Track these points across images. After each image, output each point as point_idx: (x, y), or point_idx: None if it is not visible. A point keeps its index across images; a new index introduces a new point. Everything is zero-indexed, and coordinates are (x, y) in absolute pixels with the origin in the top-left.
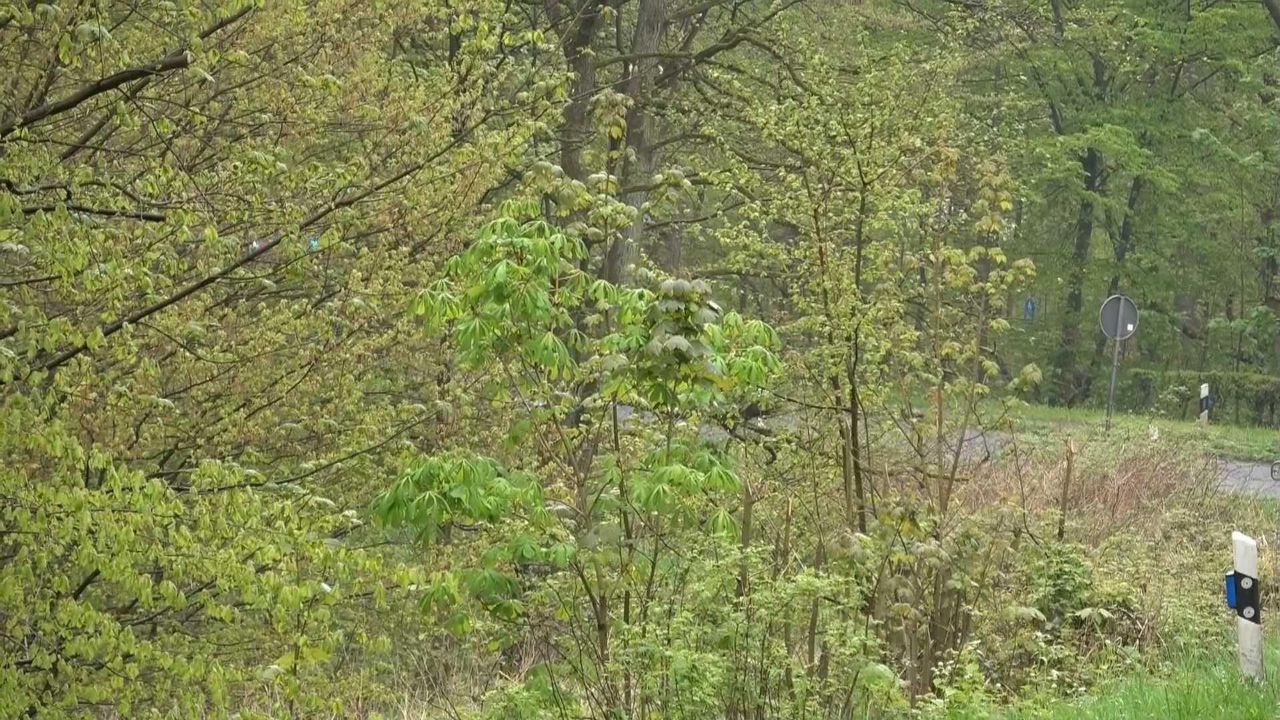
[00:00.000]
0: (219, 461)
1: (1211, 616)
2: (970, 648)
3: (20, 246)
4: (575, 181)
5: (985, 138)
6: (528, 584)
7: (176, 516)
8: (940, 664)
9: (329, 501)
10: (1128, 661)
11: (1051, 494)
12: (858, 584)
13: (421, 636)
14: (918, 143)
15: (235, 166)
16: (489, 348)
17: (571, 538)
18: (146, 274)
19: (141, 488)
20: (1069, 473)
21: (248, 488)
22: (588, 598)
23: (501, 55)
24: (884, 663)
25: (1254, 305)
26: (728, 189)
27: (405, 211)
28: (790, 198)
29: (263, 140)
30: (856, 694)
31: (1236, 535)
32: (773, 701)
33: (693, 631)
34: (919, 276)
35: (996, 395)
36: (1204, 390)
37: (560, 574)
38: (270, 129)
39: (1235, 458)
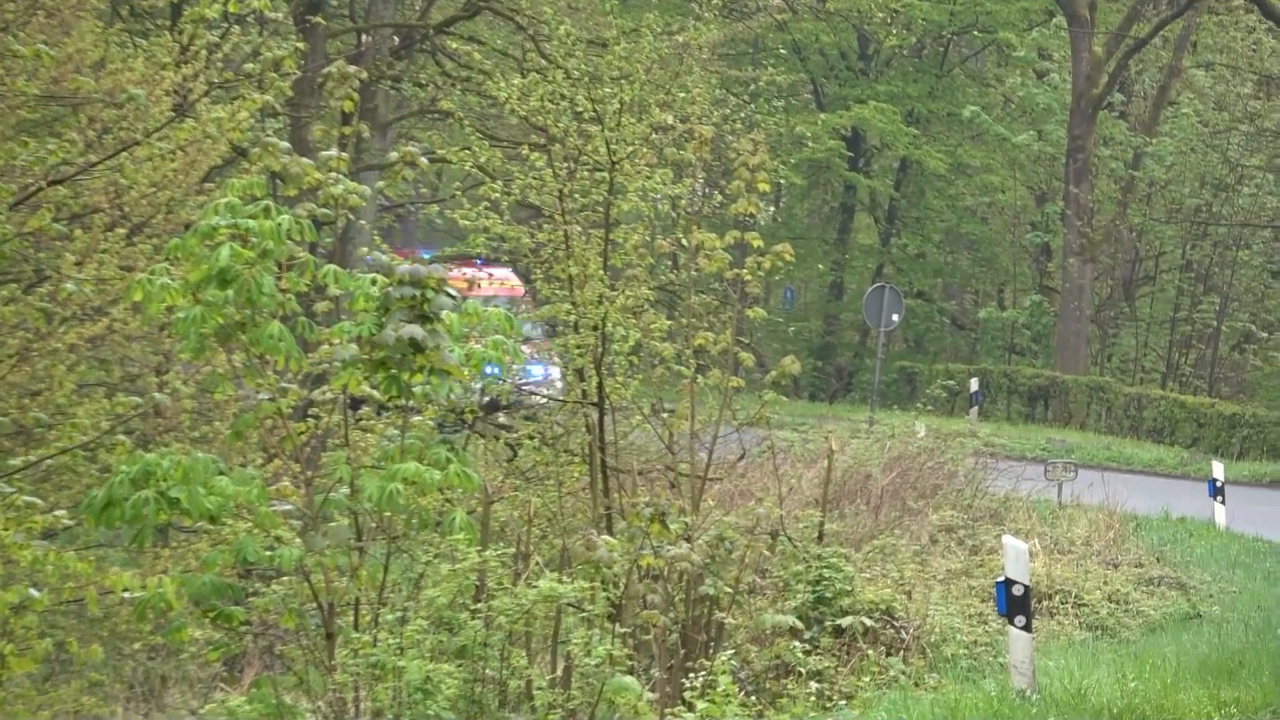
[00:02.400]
0: None
1: (981, 625)
2: (723, 658)
3: None
4: (304, 159)
5: (742, 115)
6: (251, 589)
7: None
8: (691, 675)
9: (37, 501)
10: (891, 673)
11: (811, 494)
12: (604, 590)
13: (136, 646)
14: (670, 120)
15: None
16: (211, 337)
17: (298, 540)
18: None
19: None
20: (829, 472)
21: None
22: (315, 604)
23: (226, 24)
24: (631, 674)
25: (1027, 294)
26: (467, 168)
27: (122, 191)
28: (534, 178)
29: None
30: (602, 707)
31: (1007, 539)
32: (512, 715)
33: (427, 640)
34: (671, 262)
35: (753, 389)
36: (973, 385)
37: (286, 579)
38: None
39: (1007, 456)
